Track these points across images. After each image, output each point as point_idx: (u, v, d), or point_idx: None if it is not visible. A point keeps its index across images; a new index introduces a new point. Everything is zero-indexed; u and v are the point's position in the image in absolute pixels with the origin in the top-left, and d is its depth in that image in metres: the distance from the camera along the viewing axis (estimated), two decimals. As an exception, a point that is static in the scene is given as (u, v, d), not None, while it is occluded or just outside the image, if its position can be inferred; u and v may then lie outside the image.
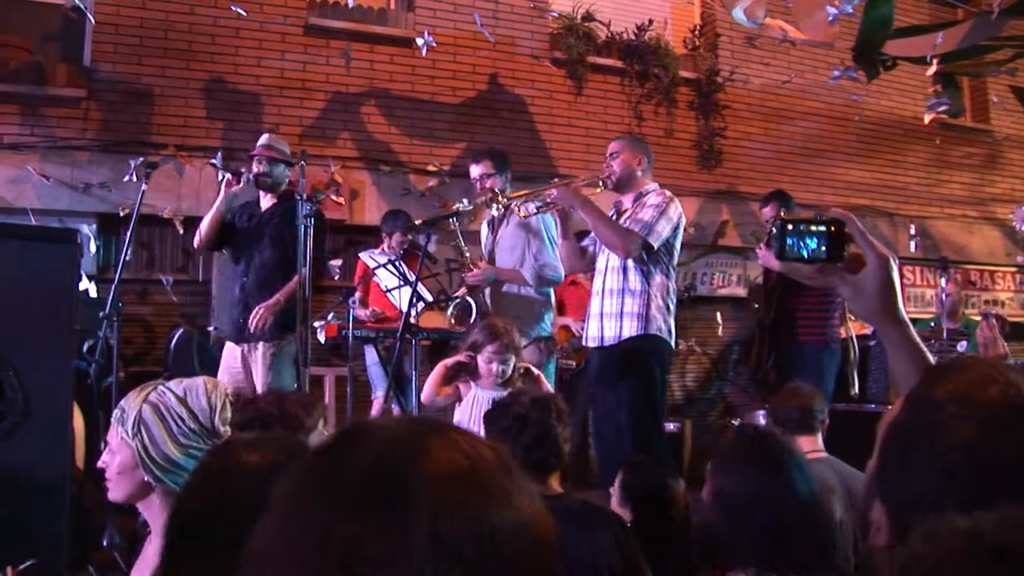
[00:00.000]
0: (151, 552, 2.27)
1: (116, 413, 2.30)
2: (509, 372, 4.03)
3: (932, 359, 1.50)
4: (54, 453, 3.11)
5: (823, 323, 5.65)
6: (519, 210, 4.94)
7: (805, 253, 1.54)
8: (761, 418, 6.85)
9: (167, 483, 2.23)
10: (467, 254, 5.08)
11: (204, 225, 5.20)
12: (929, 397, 1.07)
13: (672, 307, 4.63)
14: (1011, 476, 0.97)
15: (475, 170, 5.18)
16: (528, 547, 0.83)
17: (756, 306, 6.42)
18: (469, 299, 5.04)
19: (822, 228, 1.53)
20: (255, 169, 5.19)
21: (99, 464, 2.32)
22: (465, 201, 5.06)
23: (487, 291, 5.11)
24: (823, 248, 1.53)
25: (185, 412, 2.31)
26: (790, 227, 1.54)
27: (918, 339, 1.51)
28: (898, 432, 1.07)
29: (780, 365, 5.73)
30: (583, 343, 5.06)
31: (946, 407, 1.03)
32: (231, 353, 5.19)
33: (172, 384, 2.37)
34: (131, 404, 2.29)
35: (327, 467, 0.85)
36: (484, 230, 5.35)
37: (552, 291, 5.30)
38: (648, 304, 4.51)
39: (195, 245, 5.31)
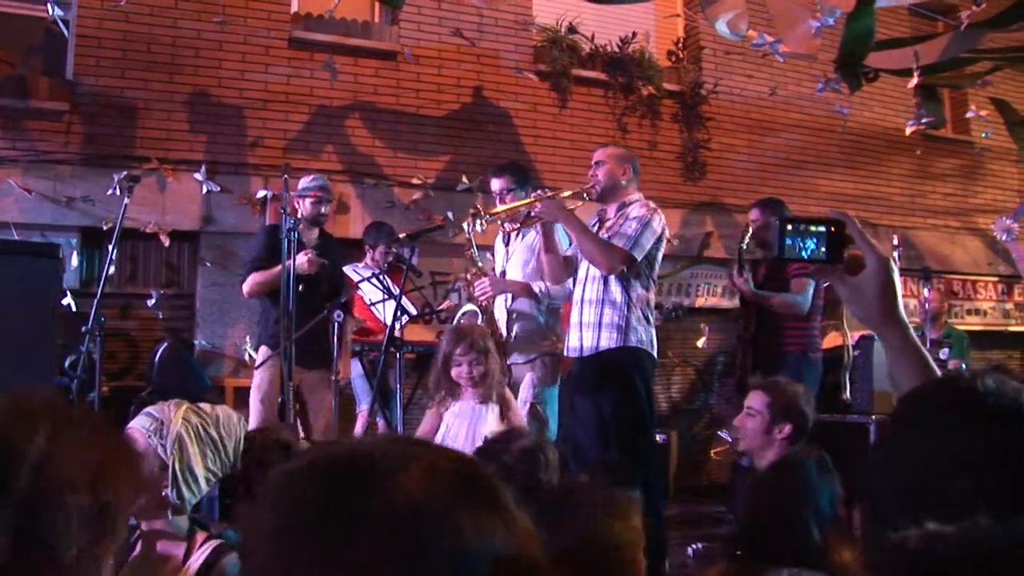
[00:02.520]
0: None
1: (148, 423, 2.34)
2: (483, 373, 4.03)
3: (932, 362, 1.48)
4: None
5: (803, 333, 5.66)
6: (504, 225, 4.94)
7: (805, 254, 1.52)
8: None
9: (183, 501, 2.31)
10: (480, 264, 5.06)
11: (266, 281, 5.42)
12: (893, 422, 1.06)
13: (651, 318, 4.61)
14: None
15: (496, 184, 5.17)
16: (517, 570, 0.83)
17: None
18: (477, 308, 5.03)
19: (822, 229, 1.51)
20: (321, 210, 5.69)
21: None
22: (450, 215, 5.06)
23: (501, 306, 5.09)
24: (823, 249, 1.52)
25: (218, 439, 2.37)
26: (790, 227, 1.52)
27: (918, 341, 1.50)
28: (872, 465, 1.07)
29: (764, 375, 5.73)
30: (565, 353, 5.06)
31: (898, 418, 1.03)
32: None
33: (205, 407, 2.42)
34: (170, 418, 2.35)
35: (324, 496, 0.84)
36: (498, 245, 5.34)
37: (561, 306, 5.30)
38: (628, 316, 4.49)
39: (245, 293, 5.60)
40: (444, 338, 4.23)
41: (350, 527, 0.80)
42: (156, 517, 2.29)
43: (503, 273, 5.17)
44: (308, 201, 5.61)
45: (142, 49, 6.89)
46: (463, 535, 0.81)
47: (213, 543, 2.28)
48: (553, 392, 4.97)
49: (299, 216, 5.53)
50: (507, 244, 5.26)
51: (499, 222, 4.92)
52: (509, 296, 5.08)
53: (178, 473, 2.28)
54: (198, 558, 2.25)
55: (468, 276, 5.08)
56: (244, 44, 7.21)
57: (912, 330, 1.51)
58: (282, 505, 0.85)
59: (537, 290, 4.97)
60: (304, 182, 5.69)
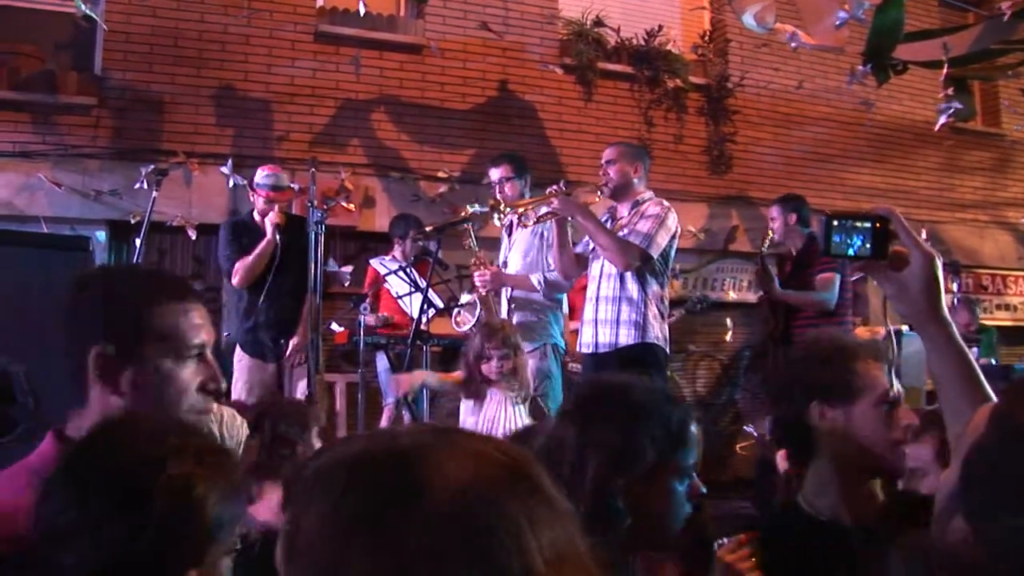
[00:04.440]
0: None
1: None
2: (514, 368, 4.05)
3: (974, 360, 1.47)
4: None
5: (835, 328, 5.63)
6: (521, 219, 4.95)
7: (851, 251, 1.52)
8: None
9: None
10: (479, 254, 5.08)
11: (253, 263, 5.25)
12: (1013, 418, 1.01)
13: (665, 314, 4.65)
14: None
15: (494, 174, 5.19)
16: (557, 569, 0.82)
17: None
18: (477, 300, 5.05)
19: (867, 225, 1.51)
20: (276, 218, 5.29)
21: None
22: (477, 205, 5.07)
23: (503, 295, 5.11)
24: (868, 245, 1.51)
25: (220, 439, 2.37)
26: (836, 224, 1.52)
27: (960, 339, 1.48)
28: (984, 454, 1.02)
29: (792, 372, 5.70)
30: (577, 349, 5.05)
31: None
32: (263, 369, 5.33)
33: (212, 406, 2.41)
34: None
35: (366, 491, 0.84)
36: (504, 236, 5.36)
37: (565, 297, 5.29)
38: (645, 312, 4.52)
39: (237, 283, 5.34)
40: (474, 334, 4.25)
41: (402, 521, 0.79)
42: None
43: (504, 264, 5.19)
44: (260, 200, 5.38)
45: (169, 44, 6.93)
46: (514, 523, 0.80)
47: None
48: (556, 385, 4.96)
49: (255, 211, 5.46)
50: (510, 235, 5.27)
51: (518, 215, 4.93)
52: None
53: None
54: None
55: (474, 264, 5.10)
56: (270, 38, 7.23)
57: (955, 328, 1.50)
58: (328, 504, 0.84)
59: (536, 283, 4.97)
60: (259, 176, 5.43)
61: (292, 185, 5.74)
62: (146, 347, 1.55)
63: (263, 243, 5.21)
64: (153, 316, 1.58)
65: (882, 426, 2.05)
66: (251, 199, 5.50)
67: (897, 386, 2.09)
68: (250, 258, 5.23)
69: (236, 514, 1.30)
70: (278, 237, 5.20)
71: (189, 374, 1.61)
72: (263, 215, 5.31)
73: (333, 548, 0.81)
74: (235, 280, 5.32)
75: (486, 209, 4.96)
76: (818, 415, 2.08)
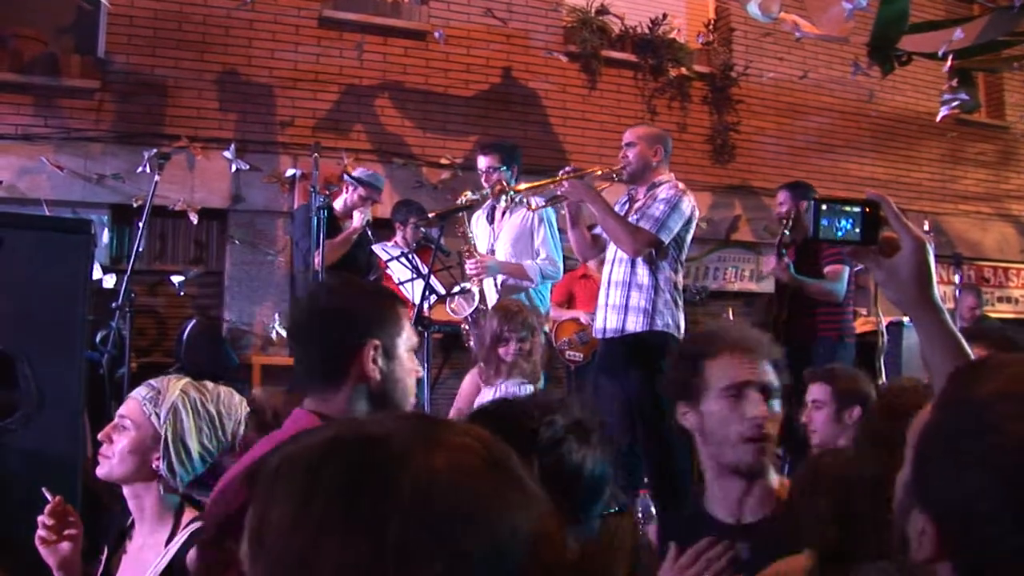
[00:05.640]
0: (139, 545, 2.29)
1: (145, 392, 2.32)
2: (530, 351, 4.04)
3: (967, 347, 1.46)
4: (67, 442, 3.13)
5: (838, 319, 5.63)
6: (529, 203, 4.92)
7: (839, 235, 1.50)
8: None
9: (174, 475, 2.26)
10: (474, 241, 5.07)
11: (338, 244, 5.53)
12: (968, 397, 1.00)
13: (680, 301, 4.55)
14: None
15: (482, 162, 5.16)
16: (530, 553, 0.81)
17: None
18: (473, 287, 5.04)
19: (856, 209, 1.48)
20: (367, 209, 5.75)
21: (100, 436, 2.32)
22: (470, 192, 5.04)
23: (493, 284, 5.10)
24: (857, 230, 1.49)
25: (216, 415, 2.34)
26: (824, 207, 1.50)
27: (953, 326, 1.46)
28: (938, 436, 1.01)
29: (794, 361, 5.69)
30: (592, 335, 5.04)
31: (994, 406, 0.97)
32: None
33: (208, 384, 2.40)
34: (167, 388, 2.32)
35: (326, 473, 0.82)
36: (481, 224, 5.32)
37: (549, 286, 5.29)
38: (654, 299, 4.44)
39: (319, 263, 5.40)
40: (491, 317, 4.23)
41: (376, 510, 0.77)
42: (140, 481, 2.28)
43: (491, 251, 5.17)
44: (357, 193, 5.67)
45: (173, 28, 6.91)
46: (489, 512, 0.80)
47: (195, 525, 2.22)
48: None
49: (341, 200, 5.68)
50: (492, 222, 5.24)
51: (524, 199, 4.91)
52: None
53: (170, 444, 2.24)
54: (180, 538, 2.22)
55: (464, 254, 5.09)
56: (274, 23, 7.22)
57: (947, 314, 1.48)
58: (298, 494, 0.81)
59: (529, 271, 4.95)
60: (363, 172, 5.73)
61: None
62: (395, 342, 2.03)
63: (350, 230, 5.56)
64: (400, 318, 2.09)
65: (728, 421, 2.04)
66: (344, 190, 5.75)
67: (771, 378, 2.07)
68: (337, 239, 5.50)
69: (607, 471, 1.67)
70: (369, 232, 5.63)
71: (413, 363, 2.07)
72: (354, 207, 5.65)
73: (304, 540, 0.78)
74: (318, 260, 5.43)
75: (478, 197, 4.94)
76: (682, 415, 2.15)
